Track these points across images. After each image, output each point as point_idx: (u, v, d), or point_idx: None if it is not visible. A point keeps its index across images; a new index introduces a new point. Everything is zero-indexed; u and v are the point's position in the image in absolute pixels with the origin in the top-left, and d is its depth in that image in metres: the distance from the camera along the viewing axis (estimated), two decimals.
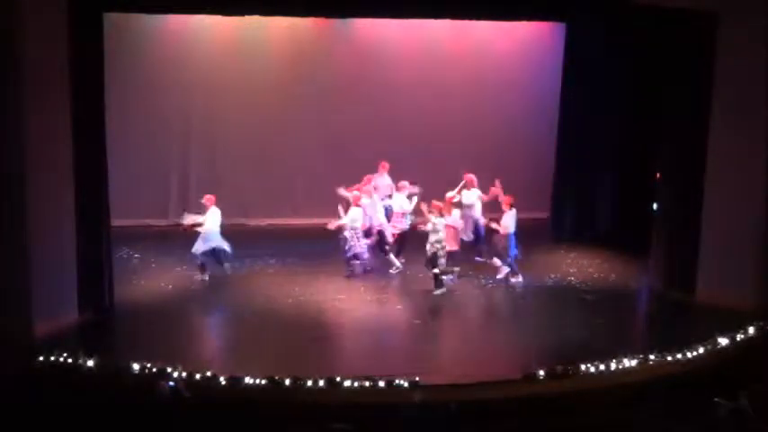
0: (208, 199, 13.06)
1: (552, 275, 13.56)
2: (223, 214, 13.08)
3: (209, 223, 12.93)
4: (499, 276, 13.25)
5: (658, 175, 13.47)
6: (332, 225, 13.07)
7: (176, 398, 8.54)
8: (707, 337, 10.29)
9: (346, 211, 13.15)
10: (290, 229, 14.71)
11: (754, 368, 9.65)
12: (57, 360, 9.35)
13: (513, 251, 13.04)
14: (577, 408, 9.01)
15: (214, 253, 13.19)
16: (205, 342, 10.83)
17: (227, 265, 13.39)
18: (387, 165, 14.49)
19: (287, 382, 8.97)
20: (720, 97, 11.96)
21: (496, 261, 13.33)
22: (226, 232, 13.22)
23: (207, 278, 13.11)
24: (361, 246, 13.08)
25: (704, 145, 12.16)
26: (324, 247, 13.67)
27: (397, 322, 11.53)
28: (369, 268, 13.50)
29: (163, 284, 12.81)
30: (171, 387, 8.67)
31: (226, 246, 13.17)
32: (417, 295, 12.49)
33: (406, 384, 8.93)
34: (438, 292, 12.40)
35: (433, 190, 13.73)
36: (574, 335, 11.39)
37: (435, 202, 12.56)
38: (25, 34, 9.94)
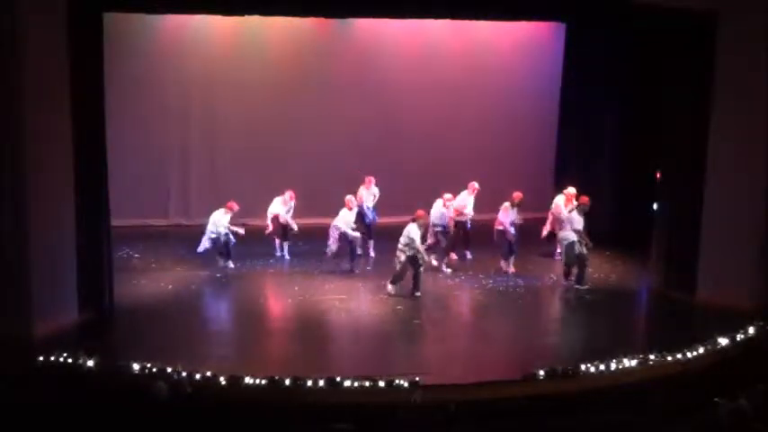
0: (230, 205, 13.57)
1: (552, 275, 13.57)
2: None
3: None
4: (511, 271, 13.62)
5: (658, 175, 13.48)
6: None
7: (176, 395, 8.52)
8: (707, 337, 10.28)
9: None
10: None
11: (754, 368, 9.64)
12: (57, 360, 9.34)
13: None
14: (577, 408, 8.99)
15: (224, 246, 13.56)
16: (205, 342, 10.81)
17: (229, 262, 13.64)
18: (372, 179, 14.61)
19: (287, 382, 8.97)
20: (720, 97, 11.96)
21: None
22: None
23: (230, 264, 13.58)
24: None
25: (704, 145, 12.16)
26: (323, 247, 13.62)
27: (397, 322, 11.53)
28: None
29: (163, 284, 12.81)
30: (171, 383, 8.65)
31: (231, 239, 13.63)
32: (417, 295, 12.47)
33: (406, 384, 8.91)
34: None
35: (432, 189, 13.72)
36: (574, 335, 11.42)
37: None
38: (25, 34, 9.93)
